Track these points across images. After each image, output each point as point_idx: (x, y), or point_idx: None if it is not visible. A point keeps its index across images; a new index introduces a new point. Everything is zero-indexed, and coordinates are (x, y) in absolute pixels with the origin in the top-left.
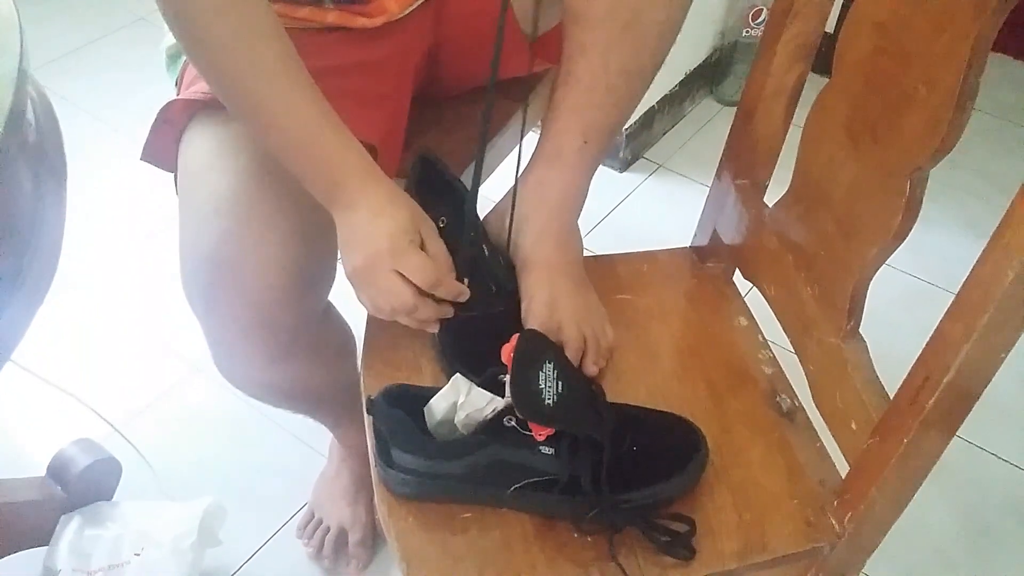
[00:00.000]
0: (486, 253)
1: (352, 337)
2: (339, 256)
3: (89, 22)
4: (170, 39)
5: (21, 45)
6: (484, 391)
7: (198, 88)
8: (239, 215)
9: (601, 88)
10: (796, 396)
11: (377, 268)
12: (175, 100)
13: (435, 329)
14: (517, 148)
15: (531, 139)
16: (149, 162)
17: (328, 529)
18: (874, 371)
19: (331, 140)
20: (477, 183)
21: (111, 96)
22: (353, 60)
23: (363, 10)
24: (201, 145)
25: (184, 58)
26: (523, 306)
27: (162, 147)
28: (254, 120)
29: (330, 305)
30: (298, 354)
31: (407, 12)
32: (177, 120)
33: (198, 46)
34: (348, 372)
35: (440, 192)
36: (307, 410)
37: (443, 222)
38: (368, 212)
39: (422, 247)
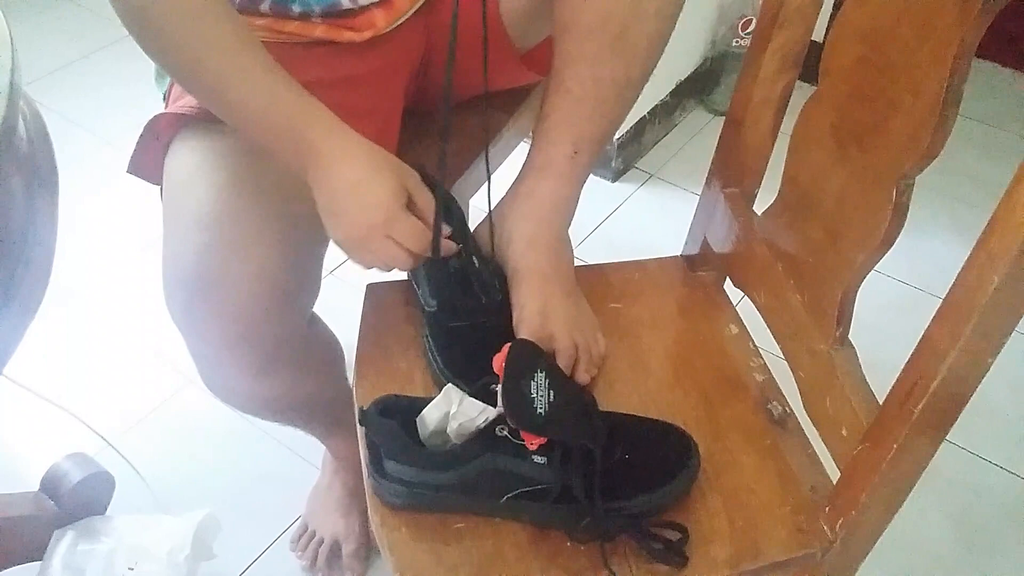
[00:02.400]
0: (476, 264)
1: (339, 348)
2: (325, 268)
3: (81, 37)
4: None
5: (13, 60)
6: (476, 401)
7: (185, 102)
8: (221, 229)
9: (591, 99)
10: (787, 403)
11: (372, 237)
12: (162, 114)
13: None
14: (508, 158)
15: (524, 148)
16: (136, 175)
17: (322, 541)
18: (864, 377)
19: (294, 101)
20: (441, 188)
21: (103, 110)
22: (342, 74)
23: (350, 24)
24: (186, 159)
25: (170, 81)
26: (515, 315)
27: (148, 160)
28: (217, 96)
29: (315, 317)
30: (282, 366)
31: (394, 26)
32: (163, 133)
33: (154, 32)
34: (336, 383)
35: None
36: (296, 422)
37: None
38: (350, 181)
39: (409, 203)
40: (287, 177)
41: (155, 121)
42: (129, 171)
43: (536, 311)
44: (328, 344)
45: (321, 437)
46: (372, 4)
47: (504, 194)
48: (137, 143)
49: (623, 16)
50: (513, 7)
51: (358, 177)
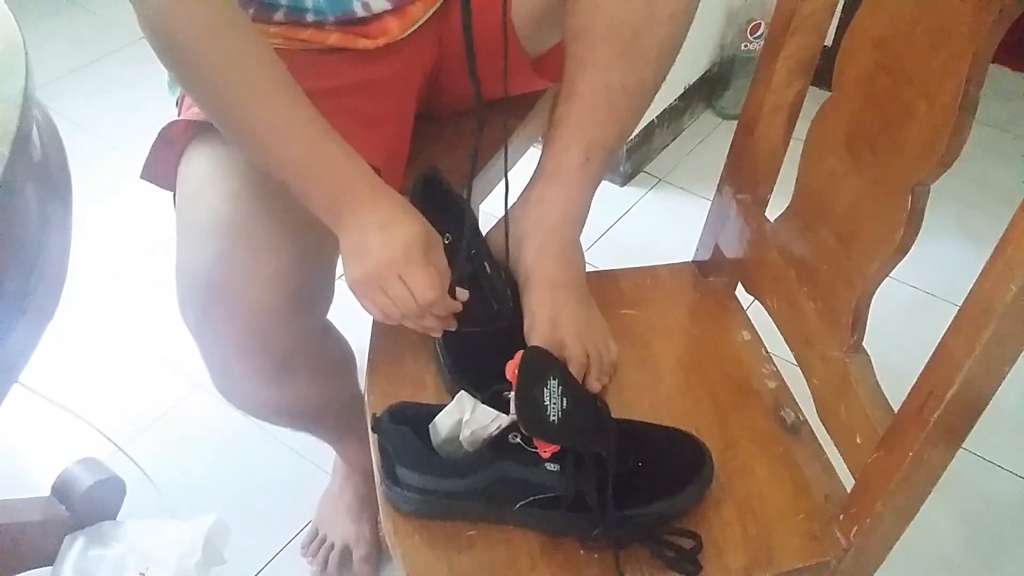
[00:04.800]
0: (488, 270)
1: (351, 355)
2: (338, 273)
3: (91, 42)
4: None
5: (26, 67)
6: (489, 408)
7: (199, 110)
8: (234, 236)
9: (603, 105)
10: (800, 410)
11: (387, 275)
12: (176, 120)
13: (438, 334)
14: (518, 164)
15: (533, 154)
16: (149, 180)
17: (332, 547)
18: (878, 384)
19: (336, 154)
20: (469, 198)
21: (113, 115)
22: (355, 80)
23: (364, 31)
24: (200, 165)
25: None
26: (526, 322)
27: (162, 166)
28: (252, 141)
29: (328, 323)
30: (294, 373)
31: (408, 33)
32: (177, 140)
33: (192, 72)
34: (347, 389)
35: (443, 210)
36: (307, 428)
37: (448, 239)
38: (380, 221)
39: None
40: None
41: (169, 128)
42: (143, 177)
43: (547, 318)
44: (341, 350)
45: (332, 442)
46: (386, 12)
47: (515, 200)
48: (151, 149)
49: (635, 23)
50: (524, 13)
51: (388, 219)
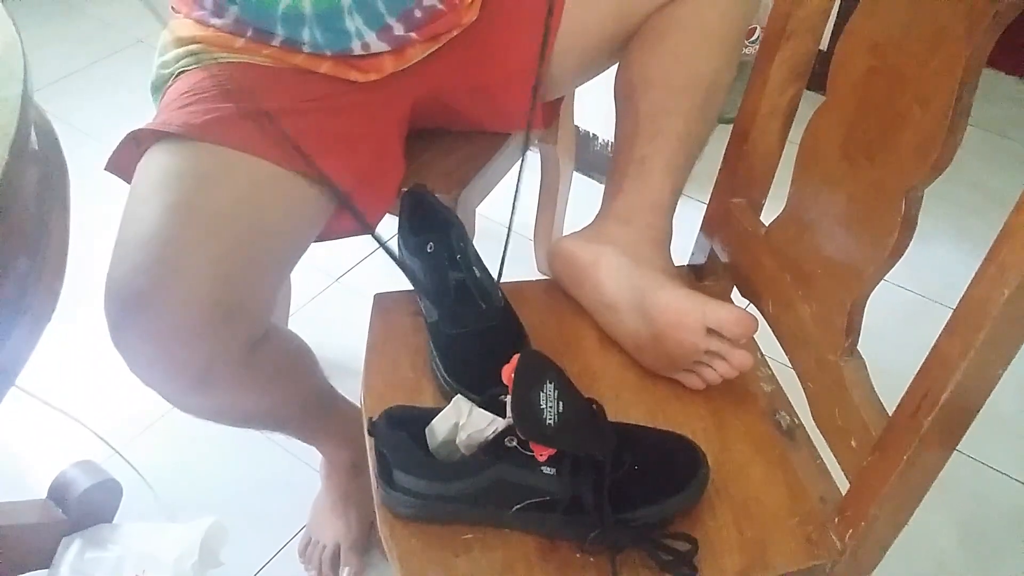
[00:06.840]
0: (477, 274)
1: (305, 357)
2: (336, 275)
3: (88, 44)
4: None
5: (24, 70)
6: (485, 412)
7: (165, 118)
8: (156, 250)
9: (685, 151)
10: (796, 413)
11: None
12: (144, 128)
13: None
14: (506, 172)
15: (530, 158)
16: (112, 172)
17: (324, 548)
18: (873, 388)
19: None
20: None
21: (109, 118)
22: (340, 102)
23: (357, 65)
24: (147, 174)
25: (164, 90)
26: (675, 320)
27: (124, 164)
28: None
29: (271, 332)
30: (215, 384)
31: (402, 68)
32: (143, 141)
33: None
34: (302, 393)
35: (429, 221)
36: (271, 429)
37: (431, 247)
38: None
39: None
40: (240, 203)
41: (138, 132)
42: (106, 168)
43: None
44: (284, 357)
45: (306, 441)
46: (384, 52)
47: (604, 231)
48: (119, 143)
49: (711, 75)
50: (570, 59)
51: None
